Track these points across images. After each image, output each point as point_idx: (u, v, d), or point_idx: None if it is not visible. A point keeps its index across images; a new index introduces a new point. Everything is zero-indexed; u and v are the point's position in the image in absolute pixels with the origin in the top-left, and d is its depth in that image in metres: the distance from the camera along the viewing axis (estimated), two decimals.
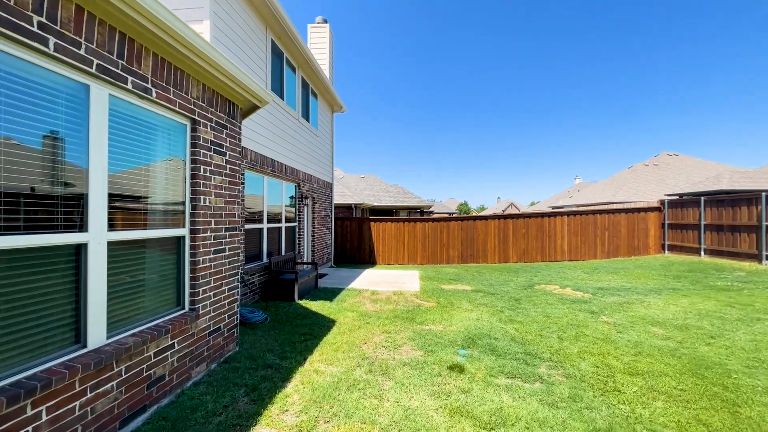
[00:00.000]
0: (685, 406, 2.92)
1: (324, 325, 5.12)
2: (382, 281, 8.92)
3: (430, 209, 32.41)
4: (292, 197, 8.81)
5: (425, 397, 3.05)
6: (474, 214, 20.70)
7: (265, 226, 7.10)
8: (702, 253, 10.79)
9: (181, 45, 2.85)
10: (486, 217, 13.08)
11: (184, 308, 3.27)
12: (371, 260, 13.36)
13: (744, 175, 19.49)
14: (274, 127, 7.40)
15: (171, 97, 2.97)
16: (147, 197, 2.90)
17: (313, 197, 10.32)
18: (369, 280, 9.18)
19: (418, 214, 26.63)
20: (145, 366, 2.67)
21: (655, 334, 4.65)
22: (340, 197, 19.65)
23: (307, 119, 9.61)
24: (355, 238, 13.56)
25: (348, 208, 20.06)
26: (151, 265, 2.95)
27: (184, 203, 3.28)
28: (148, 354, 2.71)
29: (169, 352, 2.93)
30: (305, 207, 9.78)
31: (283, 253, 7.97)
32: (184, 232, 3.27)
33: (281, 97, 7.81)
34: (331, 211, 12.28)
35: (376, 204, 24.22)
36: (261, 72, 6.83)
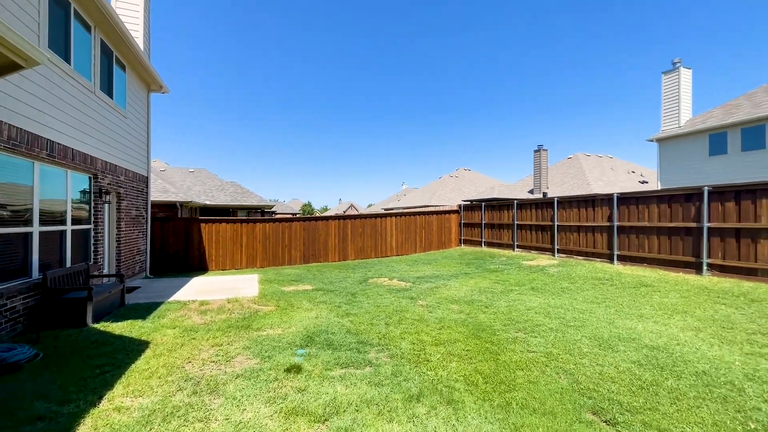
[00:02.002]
0: (469, 363, 3.86)
1: (132, 349, 4.21)
2: (214, 289, 7.99)
3: (272, 209, 31.11)
4: (84, 192, 6.83)
5: (260, 406, 2.95)
6: (317, 215, 21.13)
7: (36, 229, 5.25)
8: (483, 244, 14.42)
9: None
10: (328, 218, 13.57)
11: None
12: (202, 266, 11.76)
13: (507, 187, 27.02)
14: (55, 98, 5.57)
15: None
16: None
17: (119, 193, 8.29)
18: (198, 289, 8.07)
19: (259, 214, 25.13)
20: None
21: (453, 309, 5.94)
22: (161, 194, 16.45)
23: (110, 95, 7.64)
24: (180, 241, 11.63)
25: (172, 206, 17.01)
26: None
27: None
28: None
29: None
30: (106, 204, 7.74)
31: (68, 265, 6.08)
32: None
33: (67, 60, 5.95)
34: (146, 210, 10.13)
35: (209, 203, 21.45)
36: (29, 20, 5.01)
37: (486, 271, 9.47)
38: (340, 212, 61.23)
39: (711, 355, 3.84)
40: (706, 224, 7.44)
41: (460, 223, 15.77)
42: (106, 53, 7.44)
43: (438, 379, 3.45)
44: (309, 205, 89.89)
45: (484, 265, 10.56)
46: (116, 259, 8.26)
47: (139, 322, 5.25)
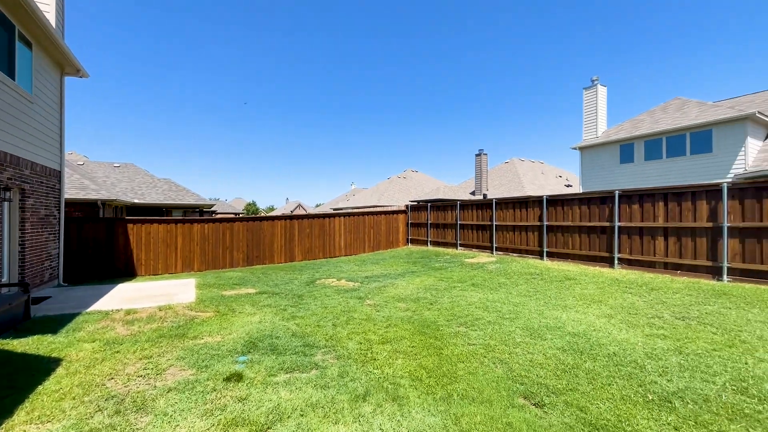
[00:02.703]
0: (414, 359, 3.98)
1: (39, 368, 3.68)
2: (143, 296, 7.28)
3: (212, 209, 29.23)
4: None
5: (195, 420, 2.76)
6: (262, 215, 20.24)
7: None
8: (429, 243, 14.94)
9: None
10: (273, 218, 13.07)
11: None
12: (129, 272, 10.64)
13: (451, 189, 28.23)
14: None
15: None
16: None
17: (23, 189, 7.18)
18: (124, 296, 7.29)
19: (197, 214, 23.39)
20: None
21: (400, 308, 6.08)
22: (79, 191, 14.60)
23: (12, 75, 6.59)
24: (102, 244, 10.41)
25: (92, 205, 15.17)
26: None
27: None
28: None
29: None
30: (6, 203, 6.67)
31: None
32: None
33: None
34: (58, 210, 8.90)
35: (137, 201, 19.47)
36: None
37: (431, 269, 9.83)
38: (287, 212, 59.44)
39: (620, 338, 4.39)
40: (617, 223, 8.49)
41: (408, 223, 16.16)
42: (5, 26, 6.40)
43: (384, 377, 3.52)
44: (253, 204, 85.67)
45: (429, 263, 10.94)
46: (19, 266, 7.15)
47: (48, 337, 4.61)
